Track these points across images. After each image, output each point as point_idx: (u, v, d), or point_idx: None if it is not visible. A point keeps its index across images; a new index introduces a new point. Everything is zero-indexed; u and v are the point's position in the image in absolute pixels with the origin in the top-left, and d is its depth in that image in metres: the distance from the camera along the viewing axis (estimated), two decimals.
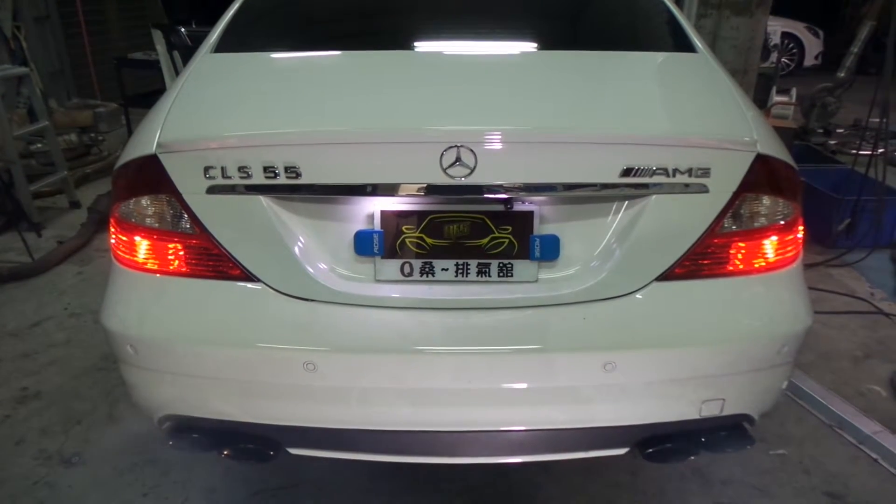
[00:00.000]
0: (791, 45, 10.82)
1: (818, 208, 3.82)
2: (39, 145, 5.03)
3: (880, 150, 3.89)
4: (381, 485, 2.14)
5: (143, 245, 1.50)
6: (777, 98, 4.50)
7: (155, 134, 1.47)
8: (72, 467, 2.24)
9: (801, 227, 1.56)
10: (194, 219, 1.46)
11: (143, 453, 2.28)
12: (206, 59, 1.85)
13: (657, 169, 1.40)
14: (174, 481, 2.17)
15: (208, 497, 2.12)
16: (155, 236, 1.49)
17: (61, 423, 2.45)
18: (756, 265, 1.51)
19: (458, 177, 1.37)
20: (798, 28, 10.92)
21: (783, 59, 10.08)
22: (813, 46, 10.99)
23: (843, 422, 2.47)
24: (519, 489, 2.12)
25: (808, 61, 10.96)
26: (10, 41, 6.07)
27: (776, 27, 9.57)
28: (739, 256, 1.49)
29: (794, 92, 4.55)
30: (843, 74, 4.14)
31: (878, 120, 3.83)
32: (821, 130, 6.19)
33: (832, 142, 6.05)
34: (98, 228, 4.11)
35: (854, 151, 5.65)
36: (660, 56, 1.93)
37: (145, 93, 6.66)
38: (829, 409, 2.52)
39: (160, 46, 4.15)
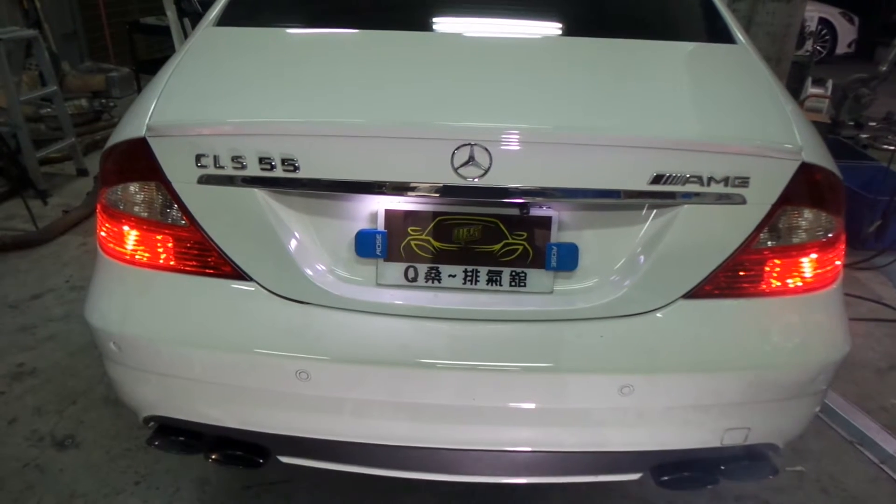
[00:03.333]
0: (824, 32, 10.44)
1: (848, 207, 3.65)
2: (49, 109, 4.95)
3: None
4: (377, 481, 2.05)
5: (130, 235, 1.40)
6: (811, 90, 4.28)
7: (146, 115, 1.36)
8: (64, 450, 2.19)
9: (843, 245, 1.43)
10: (184, 210, 1.35)
11: (137, 438, 2.22)
12: (206, 33, 1.73)
13: (691, 177, 1.27)
14: (167, 470, 2.12)
15: (201, 488, 2.07)
16: (142, 226, 1.39)
17: (56, 403, 2.41)
18: (793, 285, 1.38)
19: (471, 177, 1.26)
20: (832, 13, 10.51)
21: (815, 47, 9.73)
22: (846, 33, 10.59)
23: (865, 438, 2.36)
24: (521, 493, 2.04)
25: (841, 49, 10.58)
26: (24, 1, 5.95)
27: (813, 13, 9.21)
28: (775, 275, 1.37)
29: (829, 84, 4.33)
30: (885, 68, 3.90)
31: None
32: (851, 123, 5.95)
33: (864, 135, 5.82)
34: None
35: (887, 147, 5.47)
36: (696, 47, 1.78)
37: (159, 58, 6.56)
38: (851, 424, 2.41)
39: (170, 13, 4.02)
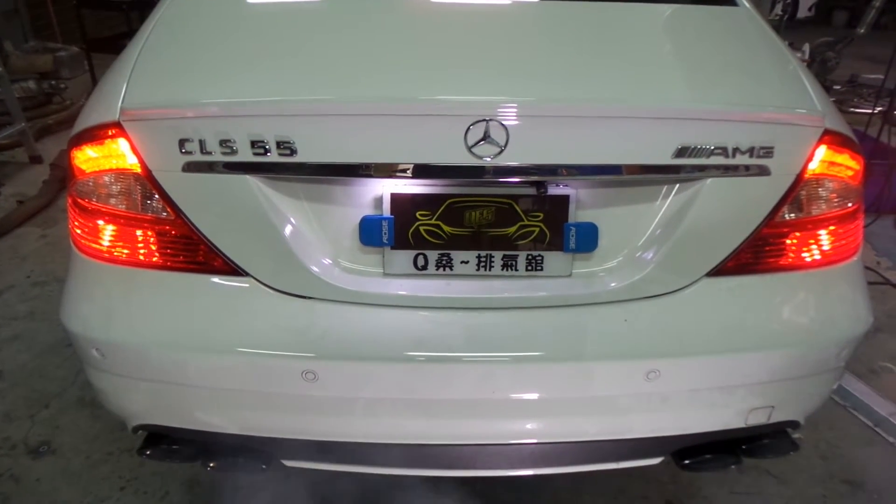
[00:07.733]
0: None
1: None
2: None
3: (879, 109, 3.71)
4: (378, 476, 1.99)
5: (107, 231, 1.27)
6: None
7: (118, 96, 1.23)
8: (40, 458, 2.06)
9: (863, 214, 1.39)
10: (168, 201, 1.23)
11: (118, 441, 2.10)
12: (177, 1, 1.57)
13: (716, 148, 1.20)
14: (153, 473, 2.01)
15: (191, 491, 1.97)
16: (121, 220, 1.26)
17: (27, 407, 2.26)
18: (817, 258, 1.34)
19: (486, 156, 1.16)
20: None
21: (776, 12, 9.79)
22: None
23: (858, 402, 2.38)
24: (524, 478, 1.99)
25: (802, 13, 10.67)
26: None
27: None
28: (799, 248, 1.32)
29: (807, 47, 4.31)
30: (862, 30, 3.88)
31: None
32: None
33: (830, 99, 5.88)
34: (62, 186, 3.82)
35: (853, 110, 5.54)
36: (699, 10, 1.70)
37: (110, 36, 6.22)
38: (843, 389, 2.43)
39: None
